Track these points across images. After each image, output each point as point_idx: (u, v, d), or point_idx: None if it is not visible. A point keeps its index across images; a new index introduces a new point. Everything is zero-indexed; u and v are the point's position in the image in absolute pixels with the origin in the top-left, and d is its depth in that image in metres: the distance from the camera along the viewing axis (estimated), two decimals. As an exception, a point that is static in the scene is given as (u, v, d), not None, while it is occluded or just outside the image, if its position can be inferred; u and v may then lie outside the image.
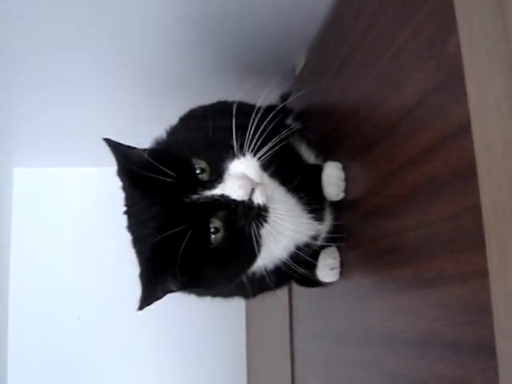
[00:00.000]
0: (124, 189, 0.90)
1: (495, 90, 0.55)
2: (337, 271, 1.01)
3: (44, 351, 2.09)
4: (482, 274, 0.52)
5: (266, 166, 0.87)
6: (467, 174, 0.56)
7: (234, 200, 0.79)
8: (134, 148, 0.85)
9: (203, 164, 0.82)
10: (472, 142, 0.55)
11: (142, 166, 0.82)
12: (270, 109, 1.34)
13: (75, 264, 2.16)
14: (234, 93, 1.25)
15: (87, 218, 2.21)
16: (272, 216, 0.84)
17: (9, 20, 1.15)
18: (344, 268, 1.00)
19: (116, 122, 1.83)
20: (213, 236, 0.80)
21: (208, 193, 0.79)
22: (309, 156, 1.09)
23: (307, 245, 0.99)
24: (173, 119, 1.15)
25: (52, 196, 2.22)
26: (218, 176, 0.81)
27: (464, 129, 0.56)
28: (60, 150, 2.09)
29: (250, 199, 0.80)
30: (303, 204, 0.96)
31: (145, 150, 0.85)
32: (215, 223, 0.80)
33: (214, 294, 1.00)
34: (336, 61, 1.05)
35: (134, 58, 1.40)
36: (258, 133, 0.85)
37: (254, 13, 1.22)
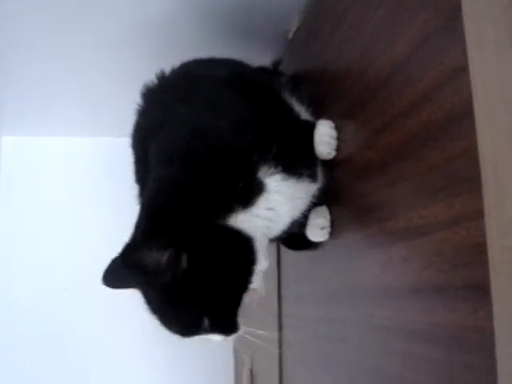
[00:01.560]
0: None
1: (495, 27, 0.54)
2: (327, 231, 1.00)
3: (29, 322, 2.08)
4: (478, 213, 0.52)
5: (267, 149, 0.92)
6: (463, 116, 0.55)
7: None
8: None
9: (209, 321, 0.91)
10: (469, 82, 0.54)
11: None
12: (262, 69, 1.34)
13: (62, 234, 2.15)
14: (225, 56, 1.25)
15: (75, 188, 2.20)
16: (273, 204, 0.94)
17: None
18: (334, 227, 0.99)
19: (106, 90, 1.81)
20: None
21: (196, 335, 0.93)
22: (300, 108, 1.09)
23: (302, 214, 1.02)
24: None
25: (40, 165, 2.21)
26: (209, 329, 0.92)
27: (461, 70, 0.55)
28: (49, 119, 2.08)
29: None
30: (300, 175, 0.96)
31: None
32: None
33: None
34: (330, 21, 1.04)
35: (130, 25, 1.39)
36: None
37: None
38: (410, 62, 0.70)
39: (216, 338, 0.93)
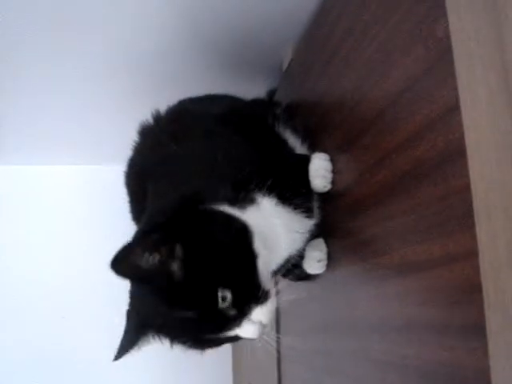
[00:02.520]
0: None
1: (485, 68, 0.55)
2: (323, 263, 1.00)
3: (26, 351, 2.07)
4: (472, 254, 0.52)
5: (262, 180, 0.91)
6: (456, 155, 0.56)
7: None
8: (143, 250, 0.82)
9: (228, 296, 0.82)
10: (461, 123, 0.55)
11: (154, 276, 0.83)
12: (256, 101, 1.35)
13: (58, 262, 2.15)
14: (220, 87, 1.26)
15: (71, 216, 2.20)
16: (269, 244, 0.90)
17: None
18: (331, 259, 1.00)
19: (102, 118, 1.82)
20: None
21: (223, 334, 0.84)
22: (294, 142, 1.10)
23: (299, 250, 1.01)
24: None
25: (35, 194, 2.21)
26: (237, 314, 0.83)
27: (453, 109, 0.56)
28: (43, 148, 2.08)
29: None
30: (296, 207, 0.96)
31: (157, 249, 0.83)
32: None
33: None
34: (323, 53, 1.05)
35: (122, 51, 1.39)
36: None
37: (241, 9, 1.23)
38: (402, 98, 0.70)
39: (252, 329, 0.84)
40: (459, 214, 0.55)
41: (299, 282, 1.13)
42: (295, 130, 1.11)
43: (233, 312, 0.82)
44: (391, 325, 0.73)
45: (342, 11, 0.95)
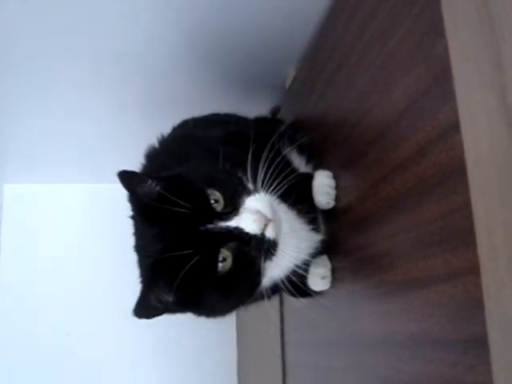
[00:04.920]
0: (134, 217, 0.94)
1: (483, 88, 0.56)
2: (328, 280, 1.00)
3: (31, 369, 2.07)
4: (474, 270, 0.53)
5: (265, 184, 0.91)
6: (457, 172, 0.57)
7: (247, 233, 0.83)
8: (147, 178, 0.87)
9: (218, 195, 0.85)
10: (461, 141, 0.56)
11: (154, 198, 0.86)
12: (260, 119, 1.35)
13: (64, 280, 2.14)
14: (222, 104, 1.27)
15: (77, 234, 2.21)
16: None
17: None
18: (335, 276, 1.00)
19: (107, 137, 1.83)
20: (220, 264, 0.83)
21: (223, 224, 0.83)
22: (299, 162, 1.10)
23: (304, 262, 1.00)
24: (163, 131, 1.15)
25: (42, 212, 2.22)
26: (233, 209, 0.85)
27: (453, 128, 0.57)
28: (50, 166, 2.09)
29: (263, 234, 0.84)
30: (302, 216, 0.98)
31: (156, 178, 0.87)
32: (225, 253, 0.84)
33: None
34: (326, 71, 1.06)
35: (126, 73, 1.41)
36: (266, 167, 0.92)
37: (244, 27, 1.24)
38: (405, 115, 0.71)
39: (250, 217, 0.84)
40: (461, 230, 0.56)
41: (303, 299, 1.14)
42: (300, 150, 1.12)
43: (228, 209, 0.85)
44: (395, 340, 0.73)
45: (343, 31, 0.96)
